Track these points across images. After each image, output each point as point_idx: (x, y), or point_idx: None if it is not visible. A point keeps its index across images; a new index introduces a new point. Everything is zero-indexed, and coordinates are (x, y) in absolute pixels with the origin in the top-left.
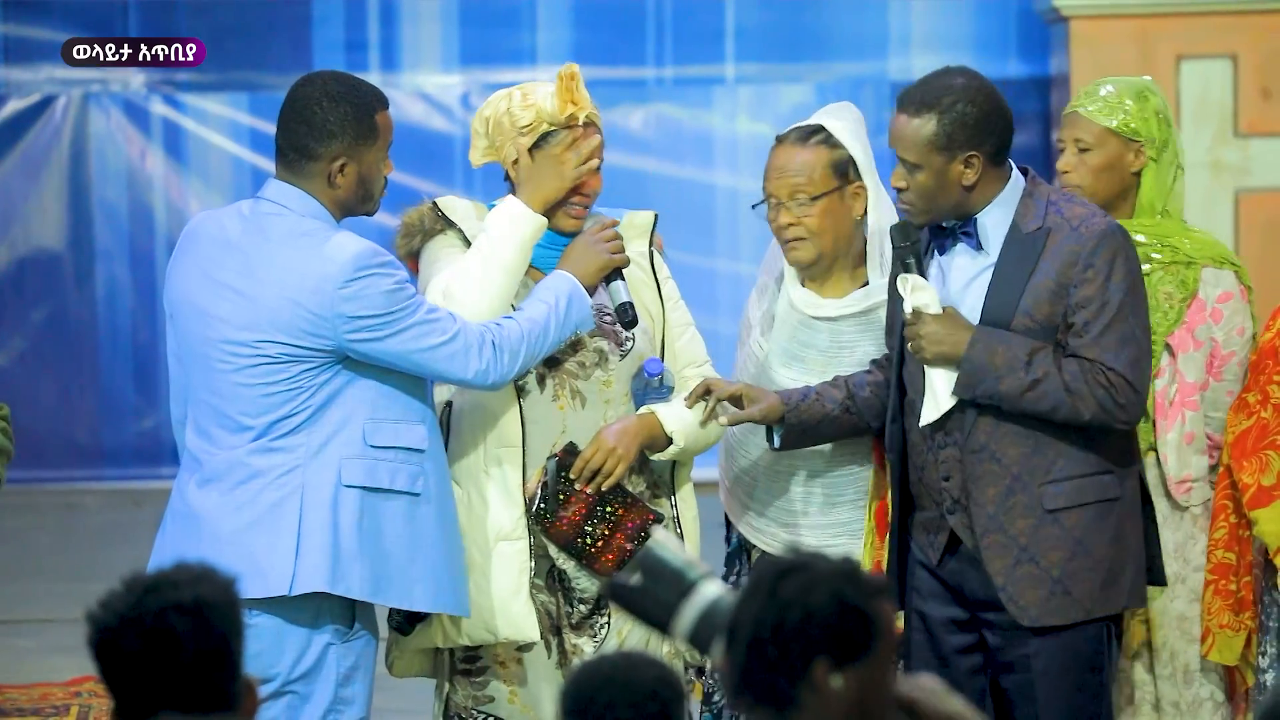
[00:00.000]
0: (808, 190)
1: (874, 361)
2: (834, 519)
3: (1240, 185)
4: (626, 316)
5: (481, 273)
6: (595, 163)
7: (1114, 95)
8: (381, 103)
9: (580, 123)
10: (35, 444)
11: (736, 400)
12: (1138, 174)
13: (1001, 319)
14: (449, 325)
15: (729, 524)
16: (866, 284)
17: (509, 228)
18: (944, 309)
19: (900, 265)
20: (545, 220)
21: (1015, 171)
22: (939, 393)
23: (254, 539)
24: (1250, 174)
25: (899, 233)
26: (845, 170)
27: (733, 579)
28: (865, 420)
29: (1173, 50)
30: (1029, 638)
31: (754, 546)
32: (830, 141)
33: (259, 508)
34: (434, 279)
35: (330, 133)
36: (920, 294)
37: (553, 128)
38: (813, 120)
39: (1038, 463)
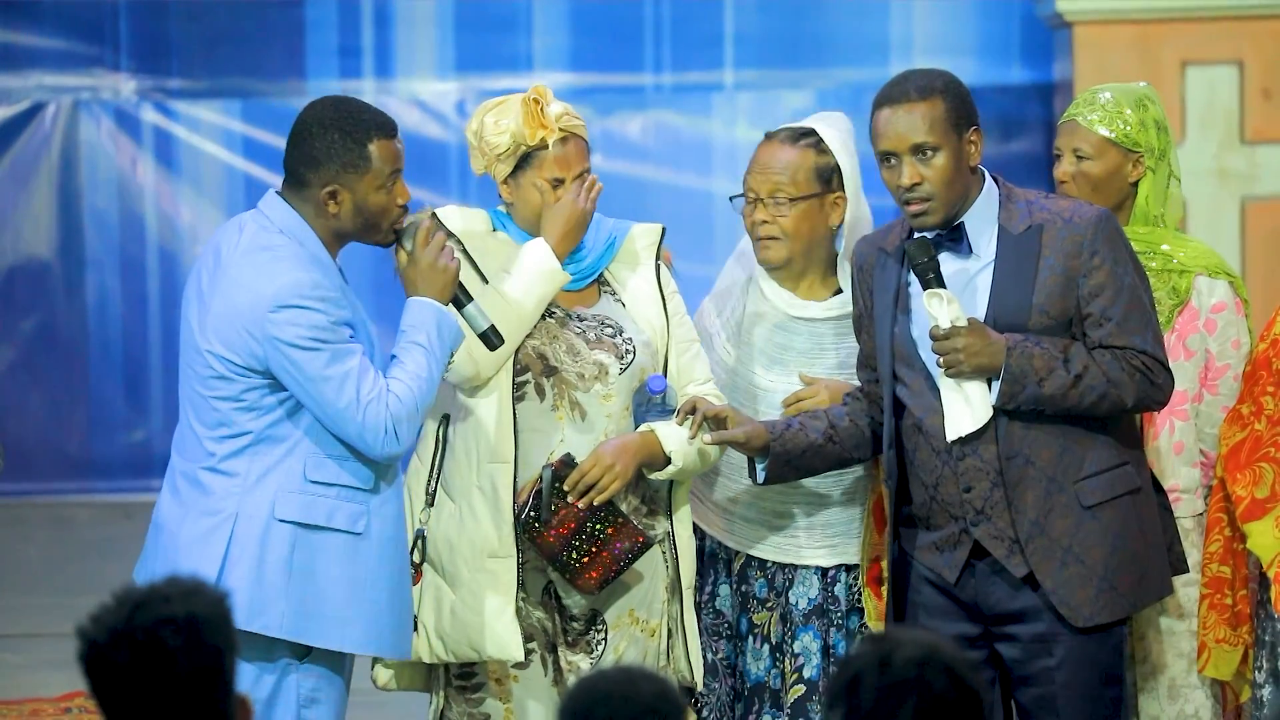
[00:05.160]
0: (788, 191)
1: (848, 395)
2: (825, 519)
3: (1247, 193)
4: (491, 344)
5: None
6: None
7: (1113, 104)
8: (382, 131)
9: (553, 141)
10: (24, 456)
11: (722, 422)
12: (1134, 183)
13: (1016, 321)
14: (366, 394)
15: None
16: (840, 291)
17: (536, 284)
18: (969, 320)
19: (924, 282)
20: (569, 277)
21: (988, 177)
22: (975, 405)
23: (187, 563)
24: (1257, 181)
25: (918, 249)
26: (829, 178)
27: (709, 587)
28: (847, 450)
29: (1177, 56)
30: (1051, 649)
31: (735, 553)
32: (819, 146)
33: (195, 532)
34: None
35: (316, 160)
36: (953, 307)
37: (529, 149)
38: (806, 123)
39: (1070, 461)
